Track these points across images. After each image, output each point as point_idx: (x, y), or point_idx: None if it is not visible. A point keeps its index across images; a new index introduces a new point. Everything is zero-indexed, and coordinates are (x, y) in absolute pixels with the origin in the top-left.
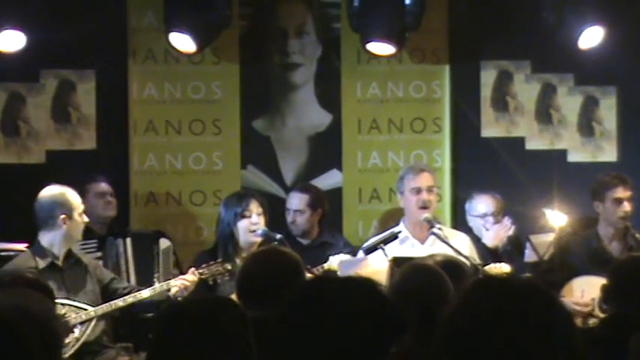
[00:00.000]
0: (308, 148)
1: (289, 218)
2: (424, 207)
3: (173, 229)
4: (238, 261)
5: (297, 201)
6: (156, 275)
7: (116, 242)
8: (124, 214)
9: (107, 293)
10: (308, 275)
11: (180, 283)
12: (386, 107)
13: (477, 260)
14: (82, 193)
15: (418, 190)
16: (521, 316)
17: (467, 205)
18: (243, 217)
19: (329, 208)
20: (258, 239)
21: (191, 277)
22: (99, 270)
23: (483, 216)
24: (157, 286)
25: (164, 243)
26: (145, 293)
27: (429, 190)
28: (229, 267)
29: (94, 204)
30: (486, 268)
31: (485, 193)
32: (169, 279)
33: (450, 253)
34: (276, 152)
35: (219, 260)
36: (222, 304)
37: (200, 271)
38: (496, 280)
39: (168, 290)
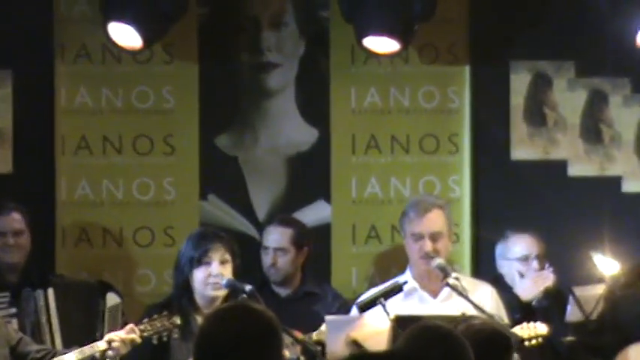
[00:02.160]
0: (287, 172)
1: (268, 260)
2: (427, 258)
3: (111, 276)
4: (199, 319)
5: (277, 237)
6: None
7: (35, 294)
8: (47, 257)
9: (15, 358)
10: (287, 339)
11: (116, 339)
12: (388, 120)
13: (505, 319)
14: None
15: (419, 237)
16: None
17: (499, 247)
18: (200, 264)
19: (313, 249)
20: (220, 293)
21: (129, 335)
22: (4, 328)
23: (524, 259)
24: (87, 348)
25: (112, 299)
26: (70, 358)
27: (435, 237)
28: (178, 322)
29: None
30: (518, 328)
31: (524, 232)
32: None
33: (470, 309)
34: (246, 178)
35: (164, 313)
36: None
37: (141, 326)
38: None
39: (104, 351)
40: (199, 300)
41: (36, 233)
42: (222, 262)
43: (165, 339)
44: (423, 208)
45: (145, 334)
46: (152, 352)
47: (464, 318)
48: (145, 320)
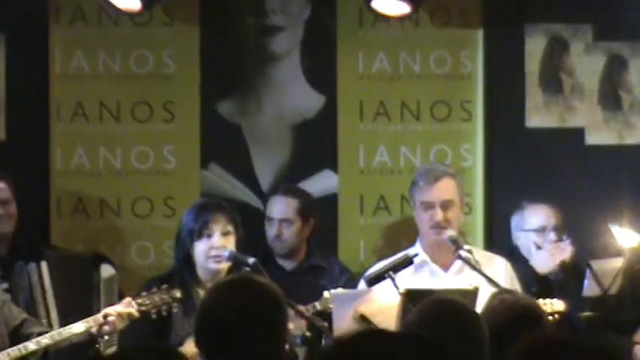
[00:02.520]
0: (292, 140)
1: (272, 231)
2: (438, 228)
3: (109, 249)
4: (201, 293)
5: (282, 207)
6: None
7: (28, 268)
8: (42, 228)
9: (16, 340)
10: (292, 313)
11: (113, 313)
12: (397, 86)
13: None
14: None
15: (429, 206)
16: None
17: (515, 218)
18: (201, 236)
19: (319, 221)
20: (223, 265)
21: (126, 309)
22: (7, 307)
23: (541, 230)
24: (82, 322)
25: (107, 270)
26: (77, 328)
27: (446, 205)
28: (177, 295)
29: None
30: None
31: (540, 203)
32: None
33: (483, 283)
34: (249, 146)
35: (164, 287)
36: (167, 355)
37: (139, 300)
38: (558, 344)
39: (100, 326)
40: (201, 273)
41: (30, 203)
42: (225, 234)
43: (164, 313)
44: (433, 176)
45: (143, 308)
46: (153, 327)
47: (498, 293)
48: (144, 294)
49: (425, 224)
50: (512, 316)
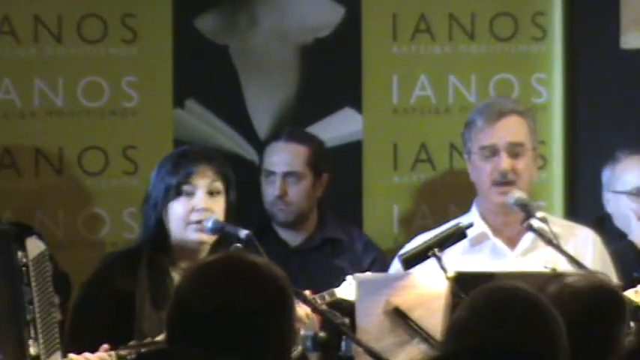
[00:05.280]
0: (299, 68)
1: (273, 190)
2: (503, 183)
3: (48, 217)
4: (175, 276)
5: (287, 157)
6: (30, 308)
7: None
8: None
9: None
10: (302, 309)
11: None
12: None
13: (614, 277)
14: None
15: (492, 151)
16: None
17: (606, 175)
18: (180, 193)
19: (337, 178)
20: (206, 236)
21: (99, 355)
22: None
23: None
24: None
25: (34, 246)
26: None
27: (515, 150)
28: None
29: None
30: (631, 292)
31: None
32: (52, 311)
33: (563, 263)
34: (240, 77)
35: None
36: None
37: (122, 352)
38: None
39: None
40: (176, 248)
41: None
42: (211, 193)
43: None
44: (496, 112)
45: (129, 358)
46: (108, 325)
47: (553, 275)
48: (133, 343)
49: (485, 179)
50: (583, 304)
